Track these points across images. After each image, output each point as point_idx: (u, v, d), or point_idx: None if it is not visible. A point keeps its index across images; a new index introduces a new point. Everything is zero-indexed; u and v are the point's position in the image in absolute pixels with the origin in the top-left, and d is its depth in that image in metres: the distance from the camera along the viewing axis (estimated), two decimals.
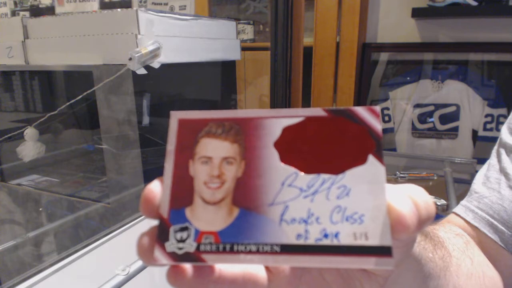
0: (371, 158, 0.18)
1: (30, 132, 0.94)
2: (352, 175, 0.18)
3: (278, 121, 0.19)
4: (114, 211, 0.93)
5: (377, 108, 0.18)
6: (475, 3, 1.31)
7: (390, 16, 1.53)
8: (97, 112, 0.87)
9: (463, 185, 1.36)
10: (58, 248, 1.00)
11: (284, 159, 0.18)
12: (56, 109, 0.85)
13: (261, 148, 0.18)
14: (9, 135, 0.94)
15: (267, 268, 0.21)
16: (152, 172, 0.90)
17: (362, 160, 0.18)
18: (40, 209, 1.07)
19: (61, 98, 1.18)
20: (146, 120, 0.92)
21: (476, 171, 0.46)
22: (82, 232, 0.99)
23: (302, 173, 0.18)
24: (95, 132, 1.09)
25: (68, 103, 0.85)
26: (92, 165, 1.19)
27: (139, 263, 0.66)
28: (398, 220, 0.17)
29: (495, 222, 0.40)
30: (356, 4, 1.45)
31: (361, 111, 0.18)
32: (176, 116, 0.19)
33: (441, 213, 0.96)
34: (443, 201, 1.01)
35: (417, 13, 1.42)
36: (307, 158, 0.18)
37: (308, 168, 0.18)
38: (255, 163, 0.18)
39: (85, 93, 0.83)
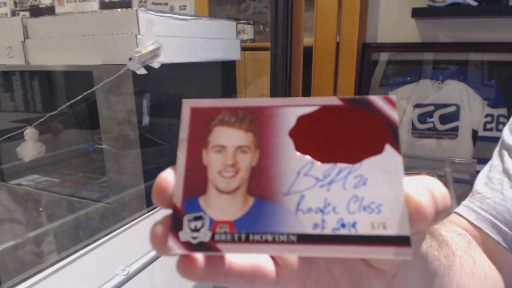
0: (388, 148, 0.17)
1: (30, 132, 0.94)
2: (369, 165, 0.17)
3: (293, 110, 0.18)
4: (114, 211, 0.93)
5: (394, 97, 0.18)
6: (475, 3, 1.30)
7: (390, 16, 1.53)
8: (97, 112, 0.87)
9: (463, 185, 1.36)
10: (58, 248, 1.00)
11: (300, 148, 0.18)
12: (56, 109, 0.85)
13: (276, 137, 0.18)
14: (9, 135, 0.94)
15: (275, 262, 0.21)
16: (152, 172, 0.90)
17: (379, 150, 0.17)
18: (40, 209, 1.07)
19: (61, 98, 1.18)
20: (146, 120, 0.92)
21: (476, 171, 0.46)
22: (82, 232, 0.99)
23: (318, 163, 0.18)
24: (95, 132, 1.09)
25: (68, 103, 0.85)
26: (92, 165, 1.19)
27: (139, 263, 0.66)
28: (417, 209, 0.17)
29: (498, 223, 0.40)
30: (356, 4, 1.45)
31: (378, 100, 0.18)
32: (188, 104, 0.19)
33: None
34: None
35: (417, 13, 1.42)
36: (323, 147, 0.18)
37: (324, 157, 0.18)
38: (270, 152, 0.18)
39: (85, 93, 0.83)
